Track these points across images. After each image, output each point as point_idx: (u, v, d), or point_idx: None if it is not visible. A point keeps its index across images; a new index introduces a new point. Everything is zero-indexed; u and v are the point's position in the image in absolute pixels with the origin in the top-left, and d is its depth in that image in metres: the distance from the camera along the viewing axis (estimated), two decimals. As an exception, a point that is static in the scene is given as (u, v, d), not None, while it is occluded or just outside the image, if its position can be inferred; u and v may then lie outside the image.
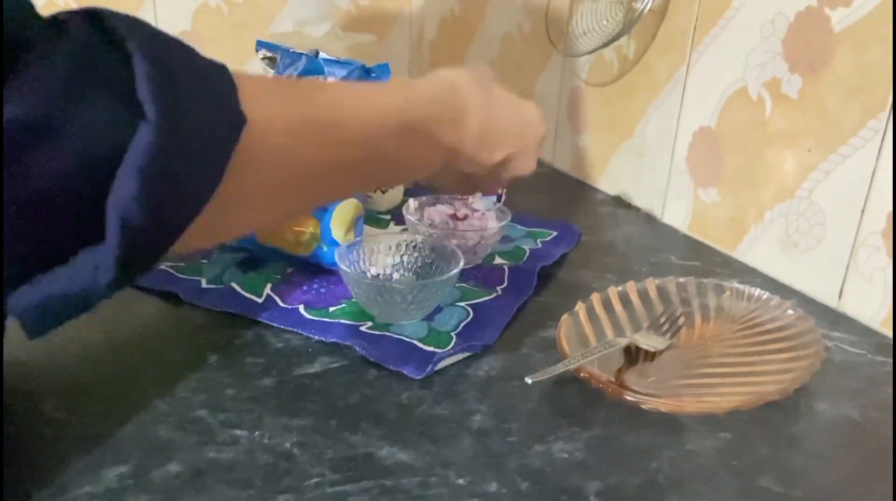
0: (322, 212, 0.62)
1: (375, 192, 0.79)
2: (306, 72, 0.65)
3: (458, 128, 0.44)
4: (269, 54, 0.71)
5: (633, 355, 0.54)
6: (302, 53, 0.66)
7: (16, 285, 0.27)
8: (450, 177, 0.49)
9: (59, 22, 0.27)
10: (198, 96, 0.29)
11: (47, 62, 0.25)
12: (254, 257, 0.66)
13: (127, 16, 0.28)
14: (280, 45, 0.69)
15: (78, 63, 0.26)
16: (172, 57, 0.29)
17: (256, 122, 0.31)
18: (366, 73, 0.66)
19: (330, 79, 0.64)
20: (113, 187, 0.26)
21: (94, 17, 0.28)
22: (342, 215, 0.63)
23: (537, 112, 0.51)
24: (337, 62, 0.65)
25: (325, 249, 0.63)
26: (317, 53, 0.66)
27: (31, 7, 0.26)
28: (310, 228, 0.62)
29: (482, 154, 0.46)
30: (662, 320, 0.57)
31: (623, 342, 0.54)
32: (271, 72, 0.70)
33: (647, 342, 0.54)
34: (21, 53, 0.24)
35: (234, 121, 0.30)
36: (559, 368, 0.49)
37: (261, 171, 0.33)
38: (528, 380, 0.48)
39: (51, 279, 0.27)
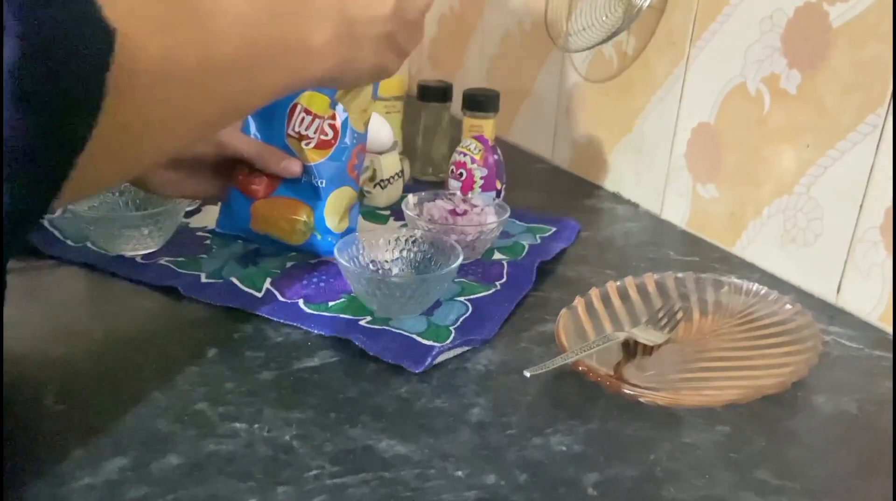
0: (315, 200, 0.63)
1: (374, 188, 0.79)
2: None
3: None
4: None
5: (631, 349, 0.54)
6: None
7: None
8: (363, 52, 0.46)
9: None
10: (62, 12, 0.27)
11: None
12: (253, 252, 0.67)
13: None
14: None
15: None
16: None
17: (129, 30, 0.30)
18: None
19: None
20: None
21: None
22: (336, 203, 0.63)
23: None
24: None
25: (320, 237, 0.63)
26: None
27: None
28: (303, 216, 0.63)
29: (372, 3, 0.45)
30: (661, 314, 0.57)
31: (621, 336, 0.54)
32: None
33: (646, 336, 0.55)
34: None
35: (102, 33, 0.28)
36: (557, 361, 0.49)
37: (149, 82, 0.32)
38: (527, 373, 0.48)
39: None
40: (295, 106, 0.63)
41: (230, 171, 0.64)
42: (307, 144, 0.63)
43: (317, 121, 0.63)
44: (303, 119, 0.63)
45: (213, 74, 0.36)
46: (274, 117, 0.64)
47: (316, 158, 0.63)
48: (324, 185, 0.63)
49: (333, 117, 0.63)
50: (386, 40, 0.49)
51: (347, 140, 0.64)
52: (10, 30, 0.25)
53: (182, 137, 0.38)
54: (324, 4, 0.43)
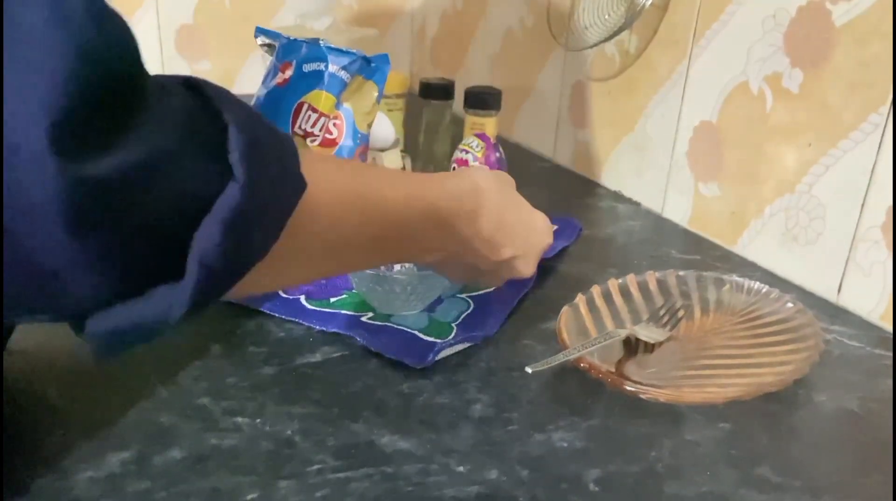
0: None
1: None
2: (308, 59, 0.65)
3: (473, 223, 0.48)
4: (267, 41, 0.71)
5: (633, 346, 0.54)
6: (302, 41, 0.67)
7: (94, 311, 0.29)
8: (457, 266, 0.52)
9: (162, 85, 0.31)
10: (275, 164, 0.34)
11: (159, 122, 0.29)
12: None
13: (217, 87, 0.33)
14: (280, 33, 0.70)
15: (183, 126, 0.30)
16: (257, 129, 0.33)
17: (313, 189, 0.36)
18: (366, 62, 0.66)
19: (338, 71, 0.65)
20: (197, 234, 0.30)
21: (189, 84, 0.32)
22: None
23: (546, 222, 0.56)
24: (339, 51, 0.65)
25: None
26: (317, 42, 0.66)
27: (139, 61, 0.29)
28: None
29: (490, 250, 0.50)
30: (662, 312, 0.57)
31: (623, 333, 0.54)
32: (269, 59, 0.70)
33: (647, 333, 0.55)
34: (135, 109, 0.28)
35: (297, 185, 0.35)
36: (559, 358, 0.49)
37: (312, 232, 0.38)
38: (529, 370, 0.48)
39: (128, 308, 0.30)
40: (301, 104, 0.63)
41: None
42: (312, 142, 0.63)
43: (322, 119, 0.63)
44: (309, 117, 0.63)
45: (358, 247, 0.43)
46: (280, 115, 0.64)
47: None
48: None
49: (339, 117, 0.64)
50: (473, 269, 0.53)
51: (351, 140, 0.64)
52: (239, 176, 0.31)
53: (304, 281, 0.54)
54: (463, 225, 0.48)
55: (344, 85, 0.64)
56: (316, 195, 0.36)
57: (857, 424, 0.49)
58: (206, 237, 0.30)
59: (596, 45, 0.82)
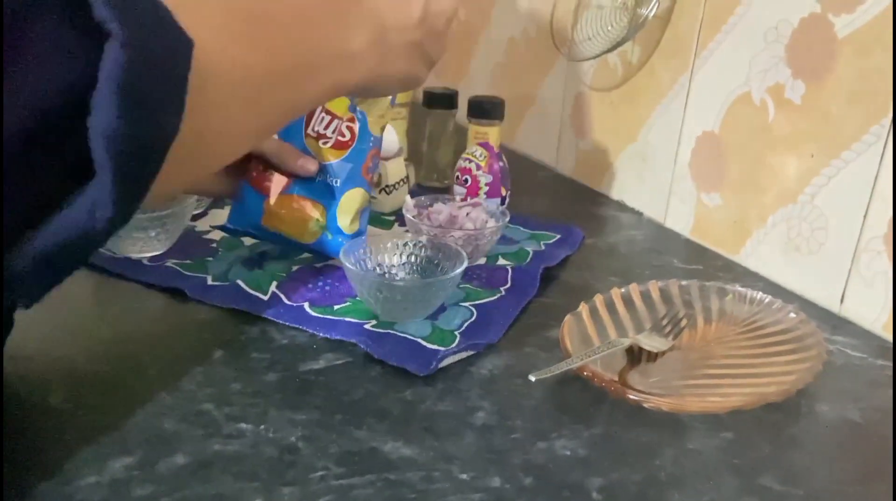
0: (329, 199, 0.63)
1: (379, 193, 0.80)
2: None
3: None
4: None
5: (636, 355, 0.54)
6: None
7: (11, 248, 0.25)
8: (394, 61, 0.48)
9: None
10: (152, 15, 0.28)
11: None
12: (259, 255, 0.67)
13: None
14: None
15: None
16: (148, 57, 0.28)
17: (204, 40, 0.30)
18: None
19: None
20: (92, 115, 0.25)
21: None
22: (349, 203, 0.63)
23: None
24: None
25: (331, 237, 0.63)
26: None
27: None
28: (316, 214, 0.63)
29: (403, 8, 0.47)
30: (665, 321, 0.58)
31: (626, 342, 0.54)
32: None
33: (650, 342, 0.55)
34: None
35: (181, 36, 0.29)
36: (562, 366, 0.49)
37: (220, 89, 0.32)
38: (532, 378, 0.48)
39: (46, 231, 0.25)
40: None
41: (243, 168, 0.64)
42: (325, 143, 0.64)
43: (336, 121, 0.63)
44: (322, 119, 0.64)
45: (273, 83, 0.37)
46: None
47: (332, 158, 0.64)
48: (339, 184, 0.63)
49: (352, 120, 0.64)
50: (415, 49, 0.50)
51: (364, 143, 0.64)
52: (115, 31, 0.25)
53: (238, 145, 0.39)
54: (359, 12, 0.44)
55: None
56: (210, 48, 0.31)
57: (859, 434, 0.49)
58: (103, 114, 0.25)
59: (598, 55, 0.83)
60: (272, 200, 0.63)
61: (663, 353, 0.55)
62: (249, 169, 0.64)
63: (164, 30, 0.28)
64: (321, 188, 0.63)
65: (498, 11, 1.10)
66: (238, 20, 0.35)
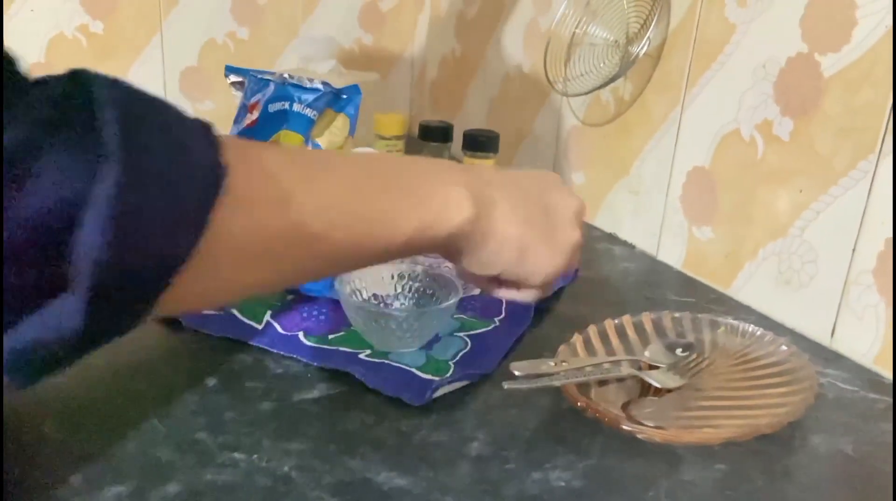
0: None
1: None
2: (273, 99, 0.65)
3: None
4: (237, 79, 0.71)
5: (644, 389, 0.55)
6: (269, 79, 0.67)
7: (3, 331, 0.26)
8: (509, 228, 0.42)
9: (42, 80, 0.27)
10: (169, 141, 0.28)
11: (18, 116, 0.25)
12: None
13: (108, 76, 0.28)
14: (249, 69, 0.70)
15: (48, 112, 0.25)
16: (144, 107, 0.28)
17: (244, 176, 0.30)
18: (335, 95, 0.66)
19: (303, 109, 0.63)
20: (78, 232, 0.25)
21: (75, 75, 0.27)
22: None
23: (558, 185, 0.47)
24: (303, 88, 0.65)
25: None
26: (284, 81, 0.66)
27: (14, 64, 0.26)
28: None
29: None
30: (684, 362, 0.57)
31: (610, 370, 0.54)
32: (239, 95, 0.70)
33: (663, 379, 0.55)
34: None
35: (213, 173, 0.29)
36: (543, 380, 0.50)
37: (244, 223, 0.31)
38: (505, 385, 0.49)
39: (26, 325, 0.26)
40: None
41: None
42: None
43: None
44: None
45: (330, 217, 0.35)
46: None
47: None
48: None
49: None
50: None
51: None
52: (112, 151, 0.26)
53: (289, 277, 0.37)
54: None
55: (312, 122, 0.63)
56: (250, 184, 0.30)
57: (852, 467, 0.49)
58: (89, 232, 0.25)
59: (591, 91, 0.84)
60: None
61: (670, 390, 0.55)
62: None
63: (188, 155, 0.28)
64: None
65: (493, 47, 1.12)
66: (299, 162, 0.35)
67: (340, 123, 0.65)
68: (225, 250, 0.30)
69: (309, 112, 0.64)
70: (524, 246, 0.43)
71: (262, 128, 0.64)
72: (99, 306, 0.26)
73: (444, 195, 0.40)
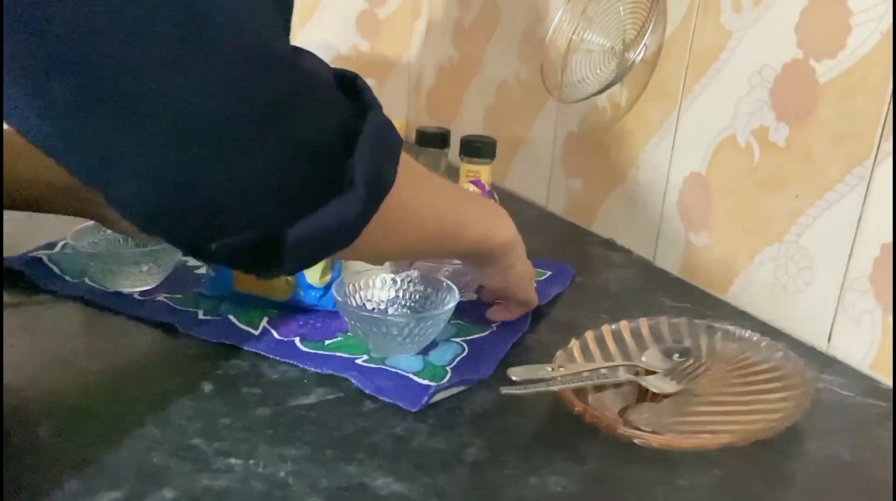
0: None
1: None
2: None
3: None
4: None
5: (642, 394, 0.55)
6: None
7: (286, 225, 0.37)
8: (522, 260, 0.63)
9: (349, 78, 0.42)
10: (390, 136, 0.42)
11: (314, 63, 0.39)
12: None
13: (371, 91, 0.42)
14: None
15: (328, 72, 0.40)
16: (388, 128, 0.42)
17: (402, 181, 0.43)
18: None
19: None
20: (358, 149, 0.38)
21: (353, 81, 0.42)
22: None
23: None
24: None
25: (303, 292, 0.63)
26: None
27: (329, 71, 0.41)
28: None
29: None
30: (682, 368, 0.57)
31: (608, 375, 0.54)
32: None
33: (660, 384, 0.55)
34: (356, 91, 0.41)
35: (396, 157, 0.43)
36: (539, 385, 0.50)
37: (401, 215, 0.46)
38: (503, 391, 0.49)
39: (314, 218, 0.37)
40: None
41: None
42: None
43: None
44: None
45: (443, 230, 0.54)
46: None
47: None
48: None
49: None
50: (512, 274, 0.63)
51: None
52: (377, 109, 0.41)
53: (402, 255, 0.60)
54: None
55: None
56: (404, 191, 0.43)
57: (850, 472, 0.49)
58: (367, 151, 0.38)
59: (588, 98, 0.85)
60: None
61: (668, 395, 0.55)
62: None
63: (395, 144, 0.43)
64: None
65: (490, 55, 1.12)
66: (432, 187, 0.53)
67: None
68: (394, 214, 0.43)
69: None
70: (523, 276, 0.63)
71: None
72: (368, 197, 0.39)
73: (499, 216, 0.61)
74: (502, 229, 0.60)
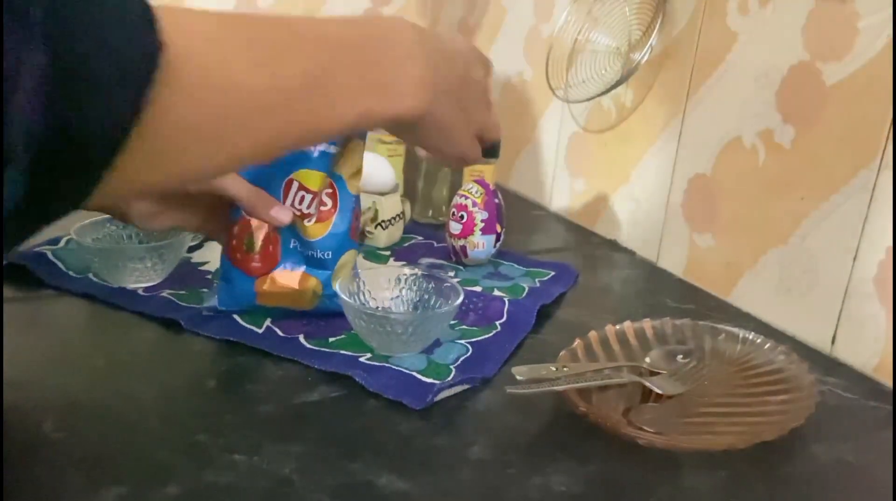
0: (323, 270, 0.61)
1: (375, 229, 0.80)
2: None
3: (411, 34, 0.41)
4: None
5: (645, 395, 0.55)
6: None
7: None
8: (444, 110, 0.44)
9: None
10: (101, 15, 0.28)
11: None
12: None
13: None
14: None
15: None
16: None
17: (179, 46, 0.29)
18: None
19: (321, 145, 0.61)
20: (11, 103, 0.25)
21: None
22: (342, 268, 0.62)
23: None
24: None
25: (328, 301, 0.62)
26: None
27: None
28: (312, 286, 0.61)
29: (452, 39, 0.46)
30: (685, 368, 0.57)
31: (612, 377, 0.54)
32: None
33: (664, 385, 0.55)
34: None
35: (149, 47, 0.29)
36: (543, 386, 0.50)
37: (186, 98, 0.31)
38: (509, 390, 0.48)
39: None
40: (290, 182, 0.60)
41: (212, 207, 0.60)
42: (308, 221, 0.61)
43: (314, 197, 0.60)
44: (302, 197, 0.60)
45: (274, 103, 0.35)
46: (269, 191, 0.59)
47: (319, 234, 0.61)
48: (330, 256, 0.61)
49: (331, 186, 0.61)
50: (460, 104, 0.48)
51: (346, 206, 0.62)
52: (41, 34, 0.26)
53: (226, 162, 0.36)
54: (414, 47, 0.42)
55: (331, 156, 0.61)
56: (183, 54, 0.30)
57: (853, 474, 0.49)
58: (21, 102, 0.25)
59: (592, 98, 0.85)
60: (260, 278, 0.61)
61: (671, 396, 0.55)
62: (226, 239, 0.61)
63: (120, 33, 0.28)
64: (312, 262, 0.61)
65: (496, 54, 1.12)
66: (243, 36, 0.34)
67: (356, 147, 0.63)
68: (168, 128, 0.30)
69: (331, 148, 0.61)
70: (450, 132, 0.48)
71: (281, 165, 0.59)
72: (39, 175, 0.26)
73: (400, 88, 0.40)
74: (405, 99, 0.41)
